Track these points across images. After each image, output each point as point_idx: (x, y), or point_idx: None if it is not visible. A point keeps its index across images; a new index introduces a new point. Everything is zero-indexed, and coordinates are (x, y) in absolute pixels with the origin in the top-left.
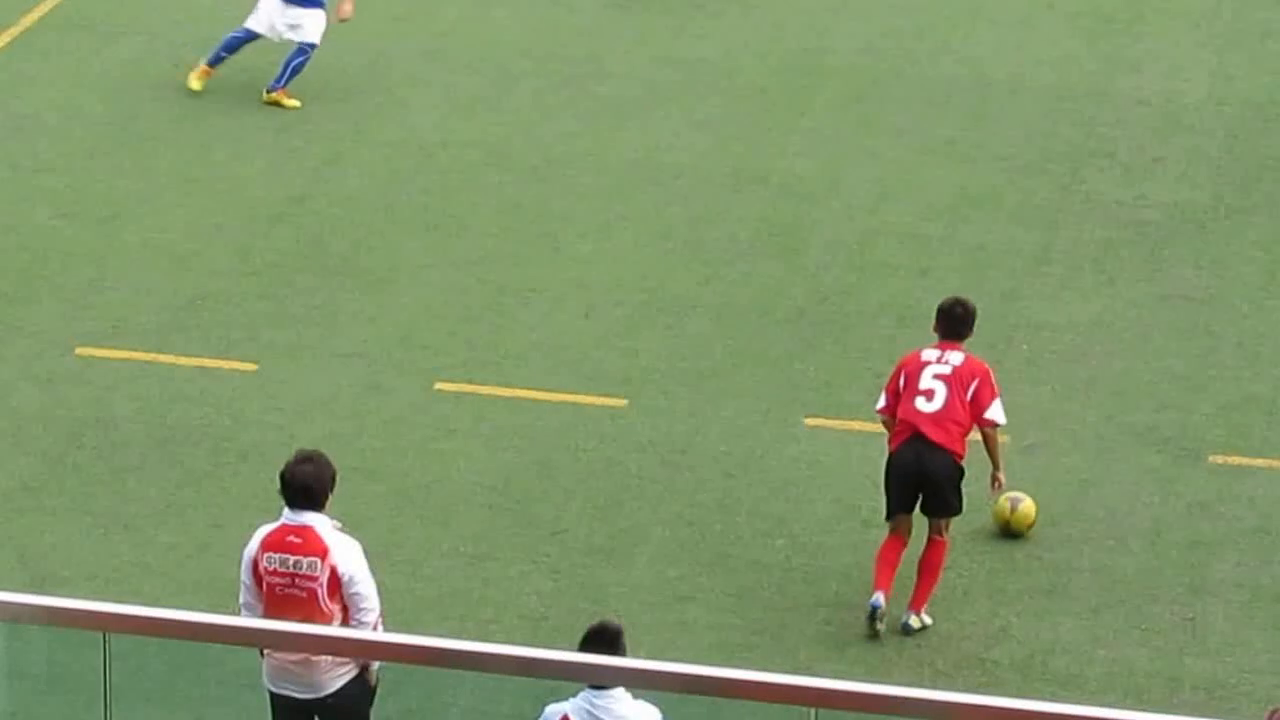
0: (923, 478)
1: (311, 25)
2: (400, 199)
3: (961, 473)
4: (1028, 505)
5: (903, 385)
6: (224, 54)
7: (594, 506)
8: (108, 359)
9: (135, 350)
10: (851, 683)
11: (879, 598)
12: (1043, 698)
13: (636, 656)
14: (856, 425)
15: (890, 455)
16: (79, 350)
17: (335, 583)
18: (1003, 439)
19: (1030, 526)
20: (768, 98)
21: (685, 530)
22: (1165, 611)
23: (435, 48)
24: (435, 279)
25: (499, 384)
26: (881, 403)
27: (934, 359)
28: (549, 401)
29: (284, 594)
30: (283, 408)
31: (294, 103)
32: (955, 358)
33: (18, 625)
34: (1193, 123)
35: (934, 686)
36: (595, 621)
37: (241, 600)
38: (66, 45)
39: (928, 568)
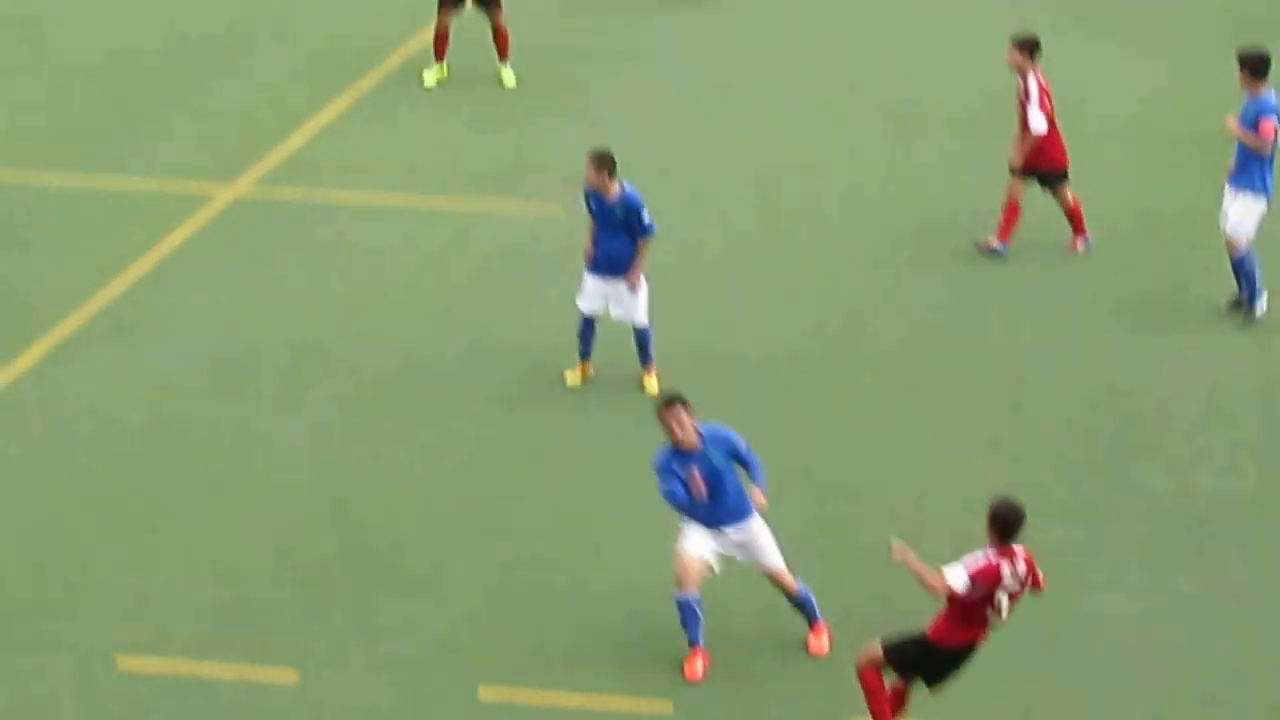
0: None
1: (637, 303)
2: (440, 499)
3: None
4: None
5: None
6: (587, 346)
7: None
8: (149, 673)
9: (177, 658)
10: None
11: None
12: None
13: None
14: None
15: (951, 648)
16: (120, 662)
17: None
18: None
19: None
20: (807, 393)
21: None
22: None
23: (474, 343)
24: (477, 582)
25: (544, 687)
26: (961, 587)
27: (1008, 575)
28: (594, 710)
29: None
30: (325, 718)
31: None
32: (1021, 569)
33: None
34: (1236, 412)
35: None
36: None
37: None
38: (104, 353)
39: None
